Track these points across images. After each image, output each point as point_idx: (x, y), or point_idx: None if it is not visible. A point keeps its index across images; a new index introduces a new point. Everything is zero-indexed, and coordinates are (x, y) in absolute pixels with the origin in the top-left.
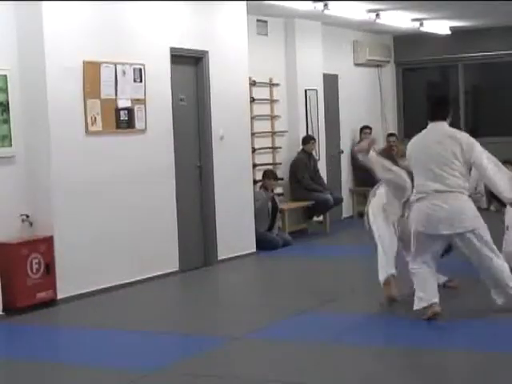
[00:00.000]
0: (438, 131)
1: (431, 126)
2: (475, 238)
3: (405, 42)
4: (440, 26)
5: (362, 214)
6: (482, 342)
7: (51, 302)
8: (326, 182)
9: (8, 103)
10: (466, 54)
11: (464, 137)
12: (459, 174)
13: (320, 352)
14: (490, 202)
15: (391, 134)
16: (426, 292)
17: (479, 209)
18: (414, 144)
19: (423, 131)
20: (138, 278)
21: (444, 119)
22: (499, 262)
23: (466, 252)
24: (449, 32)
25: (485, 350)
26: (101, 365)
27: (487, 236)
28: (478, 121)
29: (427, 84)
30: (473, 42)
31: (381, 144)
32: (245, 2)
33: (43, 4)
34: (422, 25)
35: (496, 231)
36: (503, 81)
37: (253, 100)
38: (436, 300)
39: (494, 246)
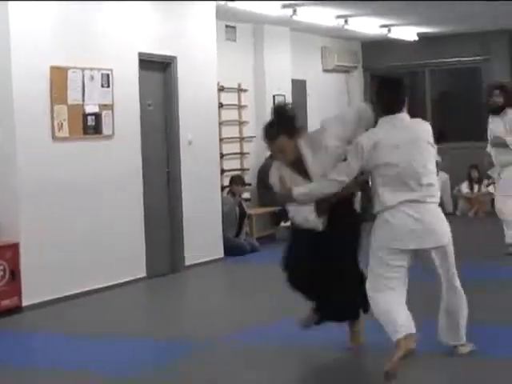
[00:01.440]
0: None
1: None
2: (450, 252)
3: (373, 48)
4: (407, 33)
5: None
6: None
7: (16, 310)
8: None
9: None
10: (433, 60)
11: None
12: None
13: (283, 357)
14: (456, 207)
15: None
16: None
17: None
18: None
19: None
20: (105, 285)
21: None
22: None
23: (441, 271)
24: (416, 38)
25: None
26: (68, 370)
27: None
28: (444, 126)
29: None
30: (439, 48)
31: None
32: (214, 8)
33: (9, 4)
34: (389, 31)
35: (464, 237)
36: (469, 86)
37: (221, 105)
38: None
39: None
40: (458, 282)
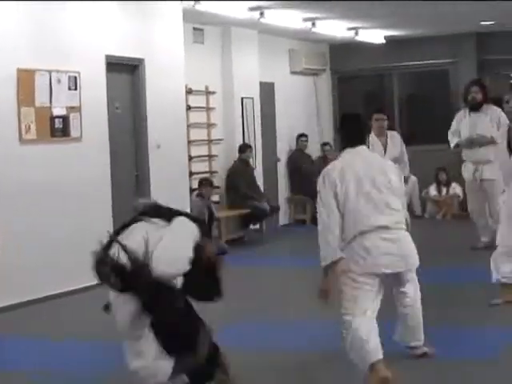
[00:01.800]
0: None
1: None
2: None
3: (340, 51)
4: (375, 35)
5: (302, 221)
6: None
7: None
8: (262, 190)
9: None
10: (401, 63)
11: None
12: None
13: (243, 360)
14: (424, 210)
15: (326, 143)
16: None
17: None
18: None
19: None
20: (72, 288)
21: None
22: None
23: (410, 293)
24: (383, 41)
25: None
26: (31, 373)
27: None
28: (412, 129)
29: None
30: (407, 51)
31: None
32: (181, 11)
33: None
34: (357, 34)
35: (432, 239)
36: (437, 89)
37: (189, 108)
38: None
39: None
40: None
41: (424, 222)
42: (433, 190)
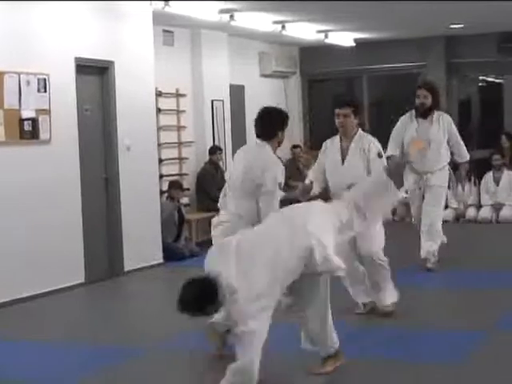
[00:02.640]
0: None
1: None
2: None
3: (310, 54)
4: (344, 38)
5: None
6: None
7: None
8: None
9: None
10: (371, 66)
11: None
12: None
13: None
14: (394, 212)
15: (296, 146)
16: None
17: None
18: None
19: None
20: (44, 291)
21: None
22: None
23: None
24: (353, 44)
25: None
26: (6, 377)
27: None
28: (382, 132)
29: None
30: (377, 54)
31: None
32: (151, 13)
33: None
34: (326, 36)
35: (399, 242)
36: (407, 92)
37: (159, 110)
38: None
39: None
40: None
41: (394, 225)
42: (403, 193)
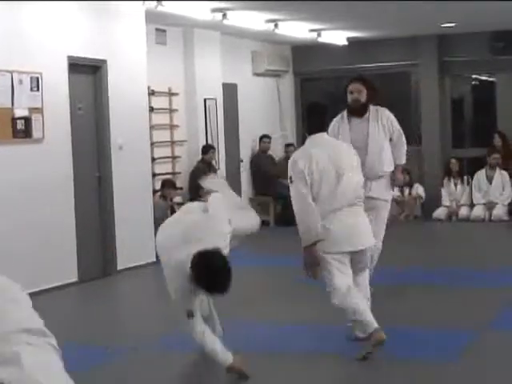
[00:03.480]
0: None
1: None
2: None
3: (303, 53)
4: (337, 37)
5: (266, 222)
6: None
7: None
8: None
9: None
10: (363, 65)
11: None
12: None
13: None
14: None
15: (289, 144)
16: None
17: None
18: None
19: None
20: (36, 289)
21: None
22: None
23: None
24: (346, 42)
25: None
26: None
27: None
28: None
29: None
30: (370, 52)
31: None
32: (144, 12)
33: None
34: (319, 35)
35: (392, 241)
36: (399, 91)
37: (152, 109)
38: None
39: None
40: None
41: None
42: (395, 191)
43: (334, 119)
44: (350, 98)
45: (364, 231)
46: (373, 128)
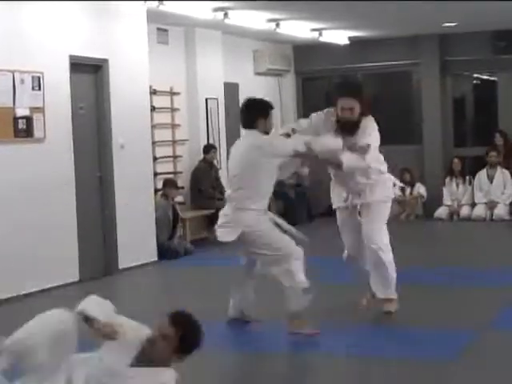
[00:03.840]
0: None
1: None
2: None
3: (304, 52)
4: (339, 36)
5: None
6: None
7: None
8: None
9: None
10: (365, 64)
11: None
12: None
13: (218, 361)
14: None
15: None
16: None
17: None
18: None
19: None
20: (38, 289)
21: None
22: None
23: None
24: (347, 42)
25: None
26: None
27: None
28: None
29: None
30: (371, 52)
31: None
32: (145, 11)
33: None
34: (321, 34)
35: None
36: (401, 90)
37: (153, 109)
38: None
39: None
40: None
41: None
42: (397, 191)
43: (321, 113)
44: (340, 113)
45: None
46: (361, 140)
